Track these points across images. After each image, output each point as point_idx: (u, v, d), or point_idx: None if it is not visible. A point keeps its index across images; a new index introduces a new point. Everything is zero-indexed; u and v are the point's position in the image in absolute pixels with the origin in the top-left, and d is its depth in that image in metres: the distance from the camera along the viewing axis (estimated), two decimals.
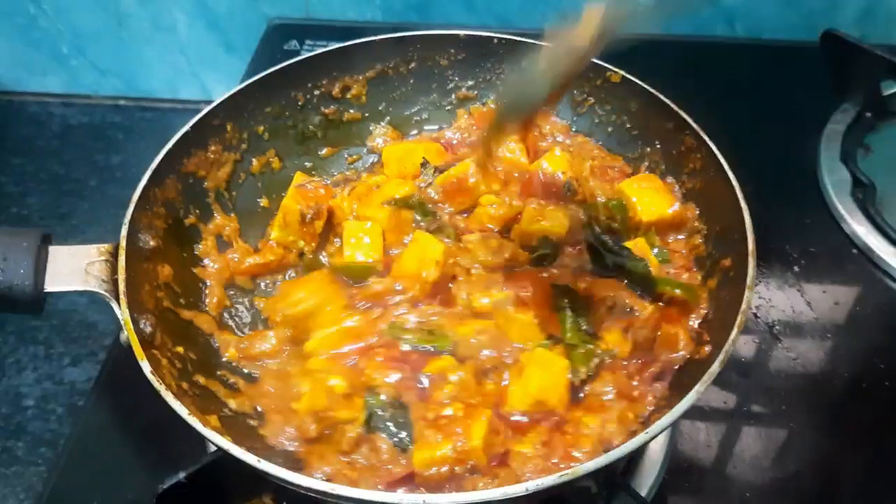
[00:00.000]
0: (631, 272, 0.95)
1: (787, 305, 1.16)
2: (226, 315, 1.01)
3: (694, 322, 0.93)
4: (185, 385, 0.85)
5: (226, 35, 1.67)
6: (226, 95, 1.08)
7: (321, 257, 1.07)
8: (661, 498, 0.97)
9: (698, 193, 1.02)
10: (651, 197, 1.04)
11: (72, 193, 1.57)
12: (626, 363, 0.90)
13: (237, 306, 1.03)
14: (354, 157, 1.22)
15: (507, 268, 0.98)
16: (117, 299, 0.84)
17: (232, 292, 1.04)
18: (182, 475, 0.80)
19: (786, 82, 1.46)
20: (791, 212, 1.27)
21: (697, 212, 1.02)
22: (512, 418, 0.86)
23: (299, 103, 1.17)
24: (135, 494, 0.97)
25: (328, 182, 1.15)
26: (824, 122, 1.39)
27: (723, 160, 0.95)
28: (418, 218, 1.04)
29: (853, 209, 1.25)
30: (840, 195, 1.27)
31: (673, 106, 1.03)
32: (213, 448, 0.78)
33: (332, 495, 0.70)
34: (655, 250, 0.99)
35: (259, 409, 0.89)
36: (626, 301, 0.93)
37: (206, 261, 1.03)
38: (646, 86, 1.08)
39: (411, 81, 1.21)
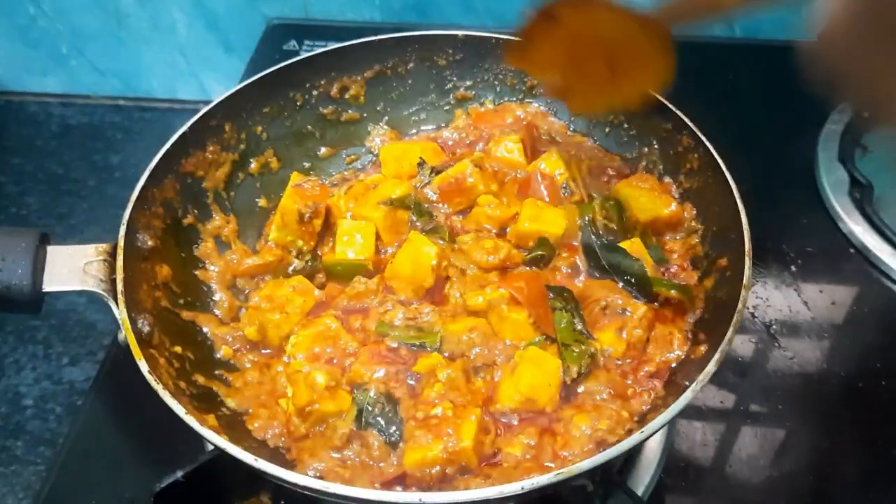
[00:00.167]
0: (626, 273, 0.96)
1: (784, 305, 1.16)
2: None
3: (690, 322, 0.93)
4: (182, 384, 0.85)
5: (225, 35, 1.67)
6: (224, 95, 1.08)
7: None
8: (658, 497, 0.97)
9: (695, 193, 1.03)
10: (648, 197, 1.04)
11: (70, 193, 1.57)
12: (620, 363, 0.90)
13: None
14: (353, 157, 1.22)
15: (502, 268, 0.99)
16: (115, 299, 0.84)
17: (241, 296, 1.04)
18: (180, 474, 0.80)
19: (783, 82, 1.46)
20: (788, 211, 1.27)
21: (694, 212, 1.02)
22: (502, 418, 0.86)
23: (298, 103, 1.17)
24: (132, 493, 0.98)
25: (326, 182, 1.15)
26: (822, 121, 1.39)
27: (720, 160, 0.96)
28: (414, 218, 1.04)
29: (851, 209, 1.25)
30: (837, 195, 1.27)
31: (671, 106, 1.04)
32: (210, 447, 0.78)
33: (329, 494, 0.70)
34: (651, 251, 1.00)
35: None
36: (620, 302, 0.93)
37: (206, 263, 1.04)
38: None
39: (409, 82, 1.22)
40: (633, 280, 0.95)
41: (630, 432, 0.82)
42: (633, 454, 0.97)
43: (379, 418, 0.85)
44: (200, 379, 0.89)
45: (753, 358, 1.10)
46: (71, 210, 1.54)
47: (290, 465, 0.83)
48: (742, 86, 1.49)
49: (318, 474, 0.81)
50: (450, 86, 1.22)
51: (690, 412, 1.03)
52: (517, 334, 0.91)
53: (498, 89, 1.22)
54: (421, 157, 1.09)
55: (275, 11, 1.65)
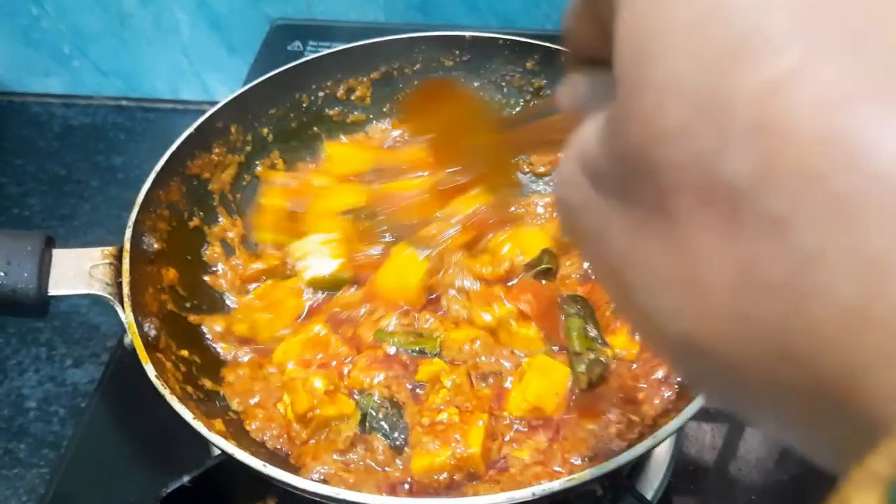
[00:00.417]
0: None
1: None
2: None
3: None
4: (189, 389, 0.85)
5: (228, 36, 1.66)
6: (230, 97, 1.08)
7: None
8: (667, 500, 0.97)
9: None
10: None
11: (73, 194, 1.56)
12: (634, 367, 0.89)
13: None
14: None
15: (506, 279, 0.98)
16: (121, 302, 0.84)
17: None
18: (186, 479, 0.80)
19: None
20: None
21: None
22: (510, 425, 0.86)
23: (304, 105, 1.17)
24: (137, 497, 0.97)
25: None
26: None
27: None
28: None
29: None
30: None
31: None
32: (216, 451, 0.77)
33: (339, 500, 0.70)
34: None
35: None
36: None
37: (213, 267, 1.03)
38: None
39: (416, 83, 1.21)
40: None
41: (641, 436, 0.82)
42: (642, 458, 0.97)
43: (383, 423, 0.84)
44: (207, 383, 0.89)
45: None
46: (73, 211, 1.53)
47: (294, 469, 0.82)
48: None
49: (321, 478, 0.80)
50: None
51: (699, 414, 1.02)
52: (528, 348, 0.91)
53: (505, 90, 1.21)
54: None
55: (278, 12, 1.64)
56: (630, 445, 0.81)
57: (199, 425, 0.74)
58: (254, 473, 0.72)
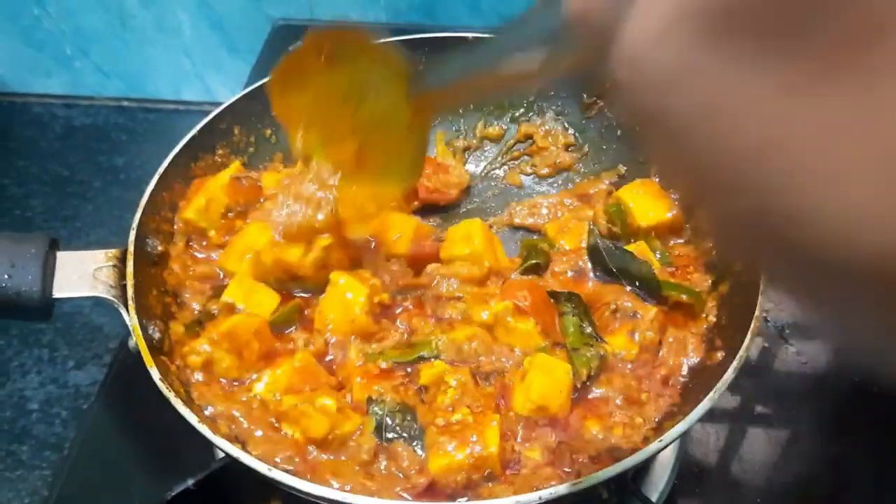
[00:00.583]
0: (634, 275, 0.95)
1: (797, 308, 1.15)
2: None
3: (704, 327, 0.92)
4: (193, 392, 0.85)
5: (229, 36, 1.66)
6: (233, 99, 1.08)
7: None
8: (672, 502, 0.96)
9: None
10: (648, 202, 1.04)
11: (75, 195, 1.56)
12: (632, 367, 0.89)
13: None
14: None
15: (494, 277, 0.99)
16: (125, 305, 0.84)
17: None
18: (191, 482, 0.80)
19: None
20: None
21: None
22: (518, 425, 0.85)
23: None
24: (141, 500, 0.97)
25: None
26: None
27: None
28: None
29: None
30: None
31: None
32: (220, 454, 0.77)
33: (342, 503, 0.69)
34: (658, 254, 0.99)
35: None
36: (629, 305, 0.92)
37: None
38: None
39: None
40: (641, 282, 0.94)
41: (646, 439, 0.82)
42: (648, 461, 0.96)
43: (399, 429, 0.84)
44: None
45: (767, 362, 1.10)
46: (76, 212, 1.53)
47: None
48: None
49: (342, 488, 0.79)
50: None
51: (704, 417, 1.02)
52: (526, 343, 0.91)
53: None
54: None
55: (280, 12, 1.64)
56: (635, 448, 0.81)
57: (204, 429, 0.74)
58: (258, 477, 0.72)
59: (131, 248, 0.87)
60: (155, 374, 0.77)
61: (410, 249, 1.01)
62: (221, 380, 0.88)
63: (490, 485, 0.79)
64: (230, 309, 0.93)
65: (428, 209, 1.15)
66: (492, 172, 1.22)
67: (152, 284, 0.90)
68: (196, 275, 0.97)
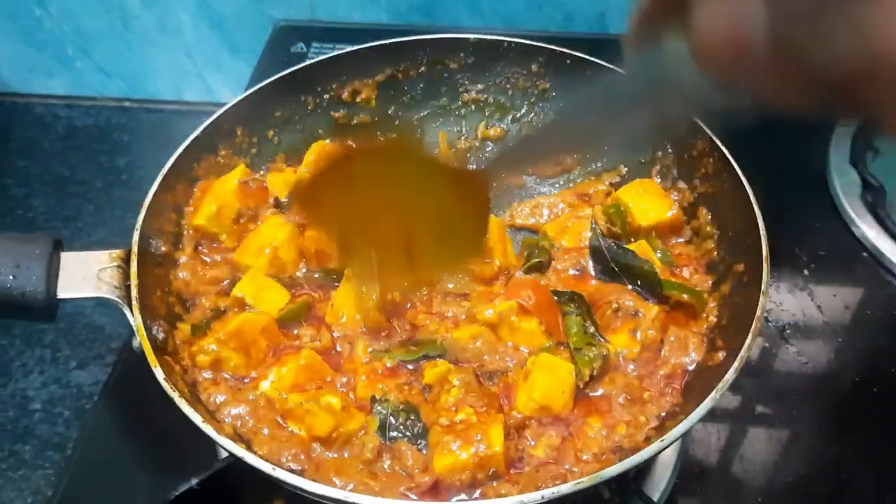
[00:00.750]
0: (636, 274, 0.95)
1: (798, 309, 1.16)
2: None
3: (706, 327, 0.93)
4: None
5: (231, 37, 1.66)
6: (235, 100, 1.08)
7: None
8: (673, 502, 0.97)
9: (710, 198, 1.02)
10: (648, 202, 1.04)
11: (77, 195, 1.57)
12: (635, 365, 0.90)
13: None
14: None
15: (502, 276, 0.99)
16: (129, 305, 0.84)
17: None
18: (194, 481, 0.80)
19: None
20: (801, 215, 1.27)
21: (709, 216, 1.01)
22: (522, 423, 0.86)
23: (309, 108, 1.17)
24: (145, 500, 0.97)
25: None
26: (834, 124, 1.38)
27: (736, 165, 0.95)
28: None
29: (863, 212, 1.24)
30: (850, 198, 1.26)
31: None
32: (224, 454, 0.77)
33: (346, 503, 0.70)
34: (658, 253, 0.99)
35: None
36: (631, 303, 0.93)
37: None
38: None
39: (421, 85, 1.21)
40: (643, 281, 0.95)
41: (647, 439, 0.82)
42: (649, 460, 0.97)
43: (403, 428, 0.84)
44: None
45: (768, 362, 1.10)
46: (77, 212, 1.53)
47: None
48: None
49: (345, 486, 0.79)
50: (461, 89, 1.22)
51: (705, 417, 1.03)
52: (530, 342, 0.91)
53: (510, 93, 1.21)
54: None
55: (281, 13, 1.64)
56: (637, 447, 0.81)
57: (208, 428, 0.74)
58: (262, 476, 0.72)
59: (135, 248, 0.88)
60: (159, 374, 0.77)
61: None
62: (226, 376, 0.89)
63: (495, 483, 0.79)
64: (240, 304, 0.94)
65: None
66: None
67: (156, 285, 0.91)
68: (206, 279, 0.98)
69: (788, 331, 1.13)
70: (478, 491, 0.80)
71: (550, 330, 0.92)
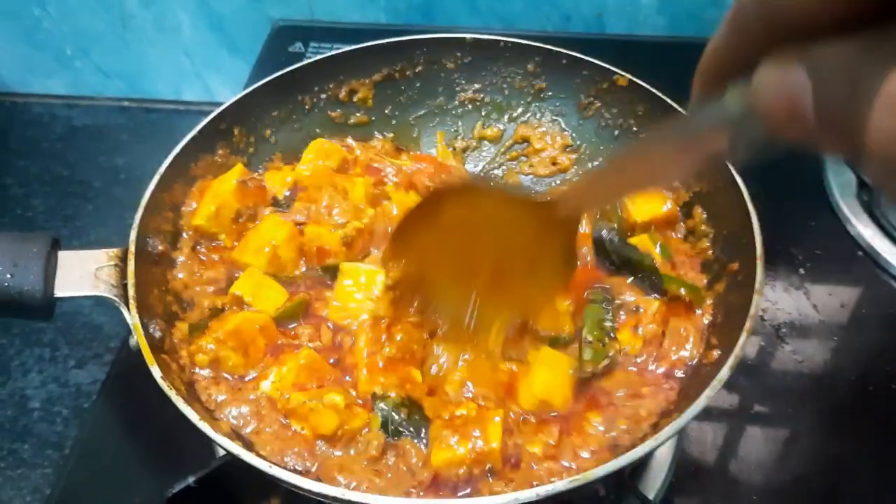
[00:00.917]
0: (638, 267, 0.95)
1: (794, 308, 1.16)
2: None
3: (702, 325, 0.93)
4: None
5: (230, 37, 1.67)
6: (233, 99, 1.08)
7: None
8: (669, 500, 0.97)
9: (705, 197, 1.02)
10: (644, 198, 1.04)
11: (76, 195, 1.57)
12: (637, 361, 0.90)
13: None
14: None
15: None
16: (127, 304, 0.84)
17: None
18: (191, 479, 0.80)
19: None
20: (796, 214, 1.27)
21: (704, 215, 1.02)
22: (521, 418, 0.86)
23: (306, 107, 1.17)
24: (143, 498, 0.97)
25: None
26: None
27: (730, 165, 0.95)
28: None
29: (859, 211, 1.25)
30: (845, 197, 1.27)
31: (680, 110, 1.03)
32: (221, 452, 0.78)
33: (343, 501, 0.70)
34: (658, 247, 1.00)
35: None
36: (633, 299, 0.93)
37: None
38: (653, 89, 1.07)
39: (417, 85, 1.21)
40: (644, 275, 0.95)
41: (644, 437, 0.82)
42: (645, 458, 0.97)
43: (406, 424, 0.84)
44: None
45: (763, 361, 1.10)
46: (77, 212, 1.53)
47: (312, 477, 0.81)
48: None
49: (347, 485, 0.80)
50: (458, 89, 1.22)
51: (701, 415, 1.02)
52: (553, 325, 0.91)
53: (506, 92, 1.21)
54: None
55: (280, 13, 1.64)
56: (633, 445, 0.82)
57: (204, 426, 0.74)
58: (259, 475, 0.72)
59: (132, 247, 0.88)
60: (156, 373, 0.78)
61: None
62: (226, 376, 0.89)
63: (490, 479, 0.80)
64: (238, 302, 0.94)
65: None
66: (490, 172, 1.23)
67: (153, 284, 0.91)
68: (205, 279, 0.98)
69: (784, 330, 1.13)
70: (471, 487, 0.80)
71: (577, 314, 0.91)
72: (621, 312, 0.93)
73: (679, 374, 0.89)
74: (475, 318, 0.84)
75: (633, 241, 0.98)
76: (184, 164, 1.01)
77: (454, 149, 1.23)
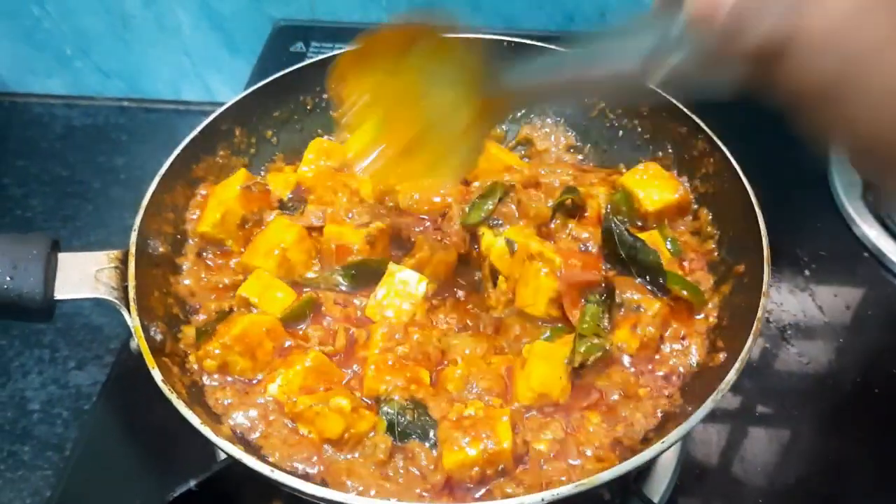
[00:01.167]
0: (642, 263, 0.94)
1: (799, 309, 1.15)
2: None
3: (706, 328, 0.92)
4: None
5: (230, 37, 1.66)
6: (234, 100, 1.08)
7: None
8: (673, 503, 0.96)
9: (711, 198, 1.02)
10: (653, 186, 1.03)
11: (75, 195, 1.56)
12: (631, 360, 0.90)
13: None
14: None
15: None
16: (127, 306, 0.83)
17: None
18: (192, 483, 0.80)
19: None
20: (802, 215, 1.26)
21: (710, 216, 1.01)
22: (525, 414, 0.86)
23: (308, 107, 1.16)
24: (143, 501, 0.97)
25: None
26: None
27: (737, 165, 0.95)
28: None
29: (864, 212, 1.24)
30: (851, 198, 1.26)
31: (685, 110, 1.03)
32: (222, 455, 0.77)
33: None
34: (669, 244, 0.99)
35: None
36: (636, 297, 0.92)
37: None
38: (657, 89, 1.06)
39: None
40: (648, 273, 0.94)
41: (647, 440, 0.82)
42: (650, 462, 0.97)
43: (412, 426, 0.83)
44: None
45: (769, 363, 1.10)
46: (76, 212, 1.53)
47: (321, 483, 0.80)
48: None
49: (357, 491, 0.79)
50: None
51: (705, 418, 1.02)
52: (532, 300, 0.91)
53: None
54: None
55: (281, 13, 1.64)
56: (636, 445, 0.81)
57: (206, 430, 0.74)
58: (260, 478, 0.71)
59: (133, 249, 0.87)
60: (157, 375, 0.77)
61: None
62: (232, 379, 0.89)
63: (501, 480, 0.79)
64: (244, 304, 0.94)
65: None
66: None
67: (154, 286, 0.90)
68: (212, 285, 0.98)
69: (789, 331, 1.13)
70: (484, 488, 0.79)
71: (568, 308, 0.90)
72: (622, 310, 0.92)
73: (677, 377, 0.88)
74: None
75: (643, 236, 0.97)
76: (185, 165, 1.01)
77: None
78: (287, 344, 0.91)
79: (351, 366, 0.91)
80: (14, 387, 1.24)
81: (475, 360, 0.90)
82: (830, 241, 1.24)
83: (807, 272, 1.20)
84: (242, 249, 1.01)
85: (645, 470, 0.96)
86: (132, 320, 0.82)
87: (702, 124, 1.01)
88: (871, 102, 0.50)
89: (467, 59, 0.79)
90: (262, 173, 1.12)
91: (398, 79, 0.82)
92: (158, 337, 0.85)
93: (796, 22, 0.49)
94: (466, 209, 1.01)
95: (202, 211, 1.01)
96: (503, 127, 1.22)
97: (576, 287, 0.91)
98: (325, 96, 1.17)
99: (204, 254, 1.00)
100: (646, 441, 0.82)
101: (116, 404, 1.09)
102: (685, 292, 0.93)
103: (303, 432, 0.83)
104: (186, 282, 0.97)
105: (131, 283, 0.84)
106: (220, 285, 0.98)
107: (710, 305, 0.94)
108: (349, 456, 0.82)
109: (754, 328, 0.79)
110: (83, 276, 0.85)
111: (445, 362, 0.91)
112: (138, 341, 0.80)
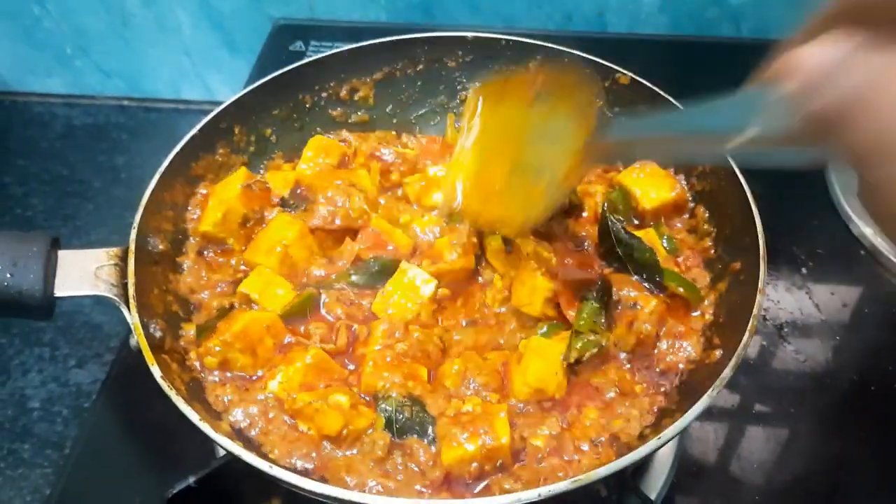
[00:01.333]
0: (638, 261, 0.95)
1: (796, 307, 1.16)
2: None
3: (702, 325, 0.93)
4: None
5: (230, 36, 1.67)
6: (233, 98, 1.08)
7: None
8: (670, 500, 0.97)
9: (708, 195, 1.02)
10: (650, 183, 1.04)
11: (76, 194, 1.57)
12: (627, 357, 0.90)
13: None
14: None
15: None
16: (127, 304, 0.84)
17: None
18: (192, 480, 0.80)
19: None
20: (799, 213, 1.27)
21: (707, 214, 1.01)
22: (521, 408, 0.86)
23: (307, 106, 1.17)
24: (143, 498, 0.97)
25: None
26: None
27: (734, 163, 0.95)
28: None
29: (861, 211, 1.24)
30: (848, 196, 1.26)
31: (680, 106, 1.03)
32: (222, 452, 0.77)
33: (343, 500, 0.70)
34: (665, 241, 0.99)
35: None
36: (633, 294, 0.92)
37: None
38: (654, 87, 1.07)
39: (419, 83, 1.21)
40: (645, 269, 0.94)
41: (644, 436, 0.82)
42: (646, 458, 0.97)
43: (410, 423, 0.84)
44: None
45: (766, 360, 1.10)
46: (76, 211, 1.53)
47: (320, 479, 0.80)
48: None
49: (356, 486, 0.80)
50: (459, 87, 1.22)
51: (702, 414, 1.02)
52: (528, 300, 0.91)
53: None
54: None
55: (280, 12, 1.64)
56: (633, 442, 0.82)
57: (205, 426, 0.74)
58: (259, 474, 0.72)
59: (132, 246, 0.87)
60: (156, 372, 0.77)
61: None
62: (229, 375, 0.89)
63: (499, 476, 0.80)
64: (246, 300, 0.94)
65: None
66: None
67: (154, 283, 0.91)
68: (213, 283, 0.98)
69: (786, 329, 1.13)
70: (483, 484, 0.80)
71: (566, 305, 0.91)
72: (618, 307, 0.93)
73: (674, 374, 0.89)
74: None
75: (640, 234, 0.97)
76: (184, 164, 1.01)
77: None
78: (287, 340, 0.92)
79: (351, 363, 0.91)
80: (14, 385, 1.24)
81: (472, 356, 0.90)
82: (828, 239, 1.24)
83: (804, 270, 1.20)
84: (244, 248, 1.01)
85: (642, 466, 0.97)
86: (132, 317, 0.82)
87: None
88: None
89: (587, 114, 0.81)
90: (262, 171, 1.13)
91: (517, 118, 0.86)
92: (158, 334, 0.85)
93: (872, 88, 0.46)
94: None
95: (203, 210, 1.02)
96: None
97: (572, 285, 0.91)
98: (324, 95, 1.17)
99: (205, 252, 1.01)
100: (642, 437, 0.82)
101: (116, 402, 1.09)
102: (682, 289, 0.93)
103: (302, 429, 0.83)
104: (188, 280, 0.97)
105: (131, 280, 0.85)
106: (222, 283, 0.98)
107: (706, 303, 0.94)
108: (348, 452, 0.82)
109: (750, 325, 0.80)
110: (83, 273, 0.85)
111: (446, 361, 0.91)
112: (138, 338, 0.81)
